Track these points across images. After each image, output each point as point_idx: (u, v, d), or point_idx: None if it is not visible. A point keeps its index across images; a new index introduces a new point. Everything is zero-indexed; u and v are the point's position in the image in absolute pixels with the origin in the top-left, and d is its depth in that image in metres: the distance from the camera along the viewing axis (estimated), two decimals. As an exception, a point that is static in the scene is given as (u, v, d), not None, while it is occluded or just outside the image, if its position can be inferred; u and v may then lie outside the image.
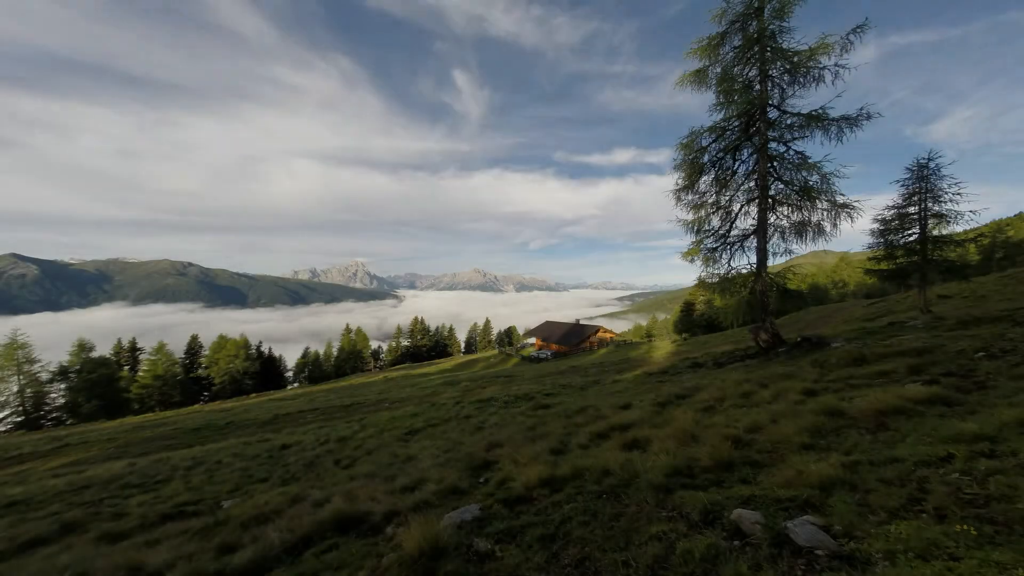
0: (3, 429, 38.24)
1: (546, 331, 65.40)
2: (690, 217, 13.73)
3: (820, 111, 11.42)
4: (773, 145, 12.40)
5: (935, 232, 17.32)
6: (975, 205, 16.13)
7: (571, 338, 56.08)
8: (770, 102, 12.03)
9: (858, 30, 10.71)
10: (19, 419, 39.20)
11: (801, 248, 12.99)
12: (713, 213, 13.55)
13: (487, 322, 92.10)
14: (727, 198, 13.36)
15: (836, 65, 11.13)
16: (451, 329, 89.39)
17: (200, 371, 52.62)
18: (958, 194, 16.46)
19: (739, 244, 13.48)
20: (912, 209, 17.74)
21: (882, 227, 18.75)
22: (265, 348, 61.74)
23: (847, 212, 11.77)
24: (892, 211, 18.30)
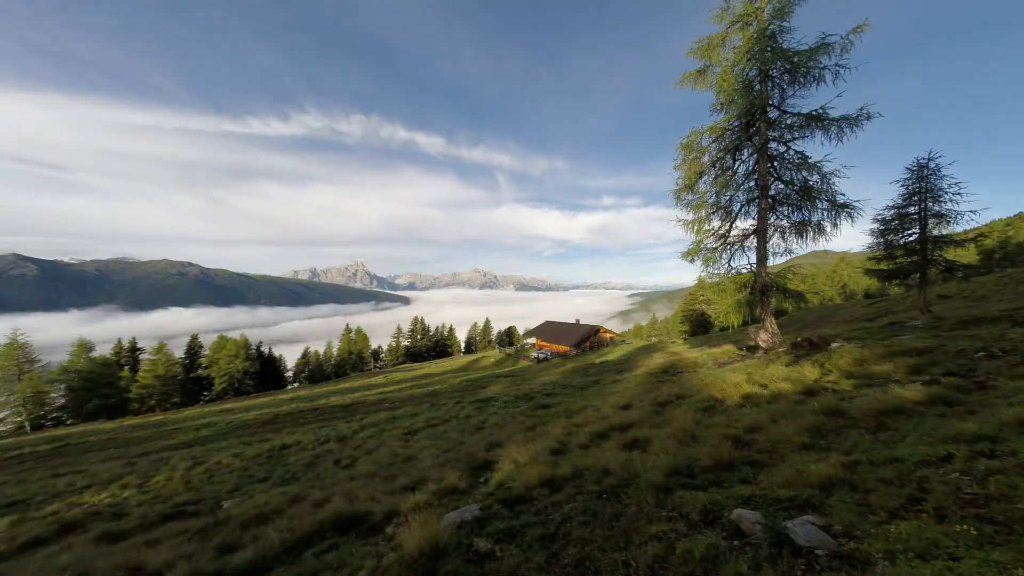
0: (3, 429, 38.22)
1: (546, 331, 65.40)
2: (690, 217, 13.72)
3: (820, 111, 11.41)
4: (773, 145, 12.39)
5: (935, 232, 17.30)
6: (975, 205, 16.13)
7: (571, 338, 56.08)
8: (770, 102, 12.01)
9: (858, 30, 10.69)
10: (19, 419, 39.19)
11: (801, 248, 12.99)
12: (713, 213, 13.53)
13: (487, 322, 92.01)
14: (727, 198, 13.35)
15: (836, 65, 11.12)
16: (451, 329, 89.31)
17: (200, 371, 52.59)
18: (958, 194, 16.45)
19: (739, 244, 13.47)
20: (912, 209, 17.71)
21: (882, 227, 18.73)
22: (265, 348, 61.73)
23: (847, 212, 11.76)
24: (892, 211, 18.27)
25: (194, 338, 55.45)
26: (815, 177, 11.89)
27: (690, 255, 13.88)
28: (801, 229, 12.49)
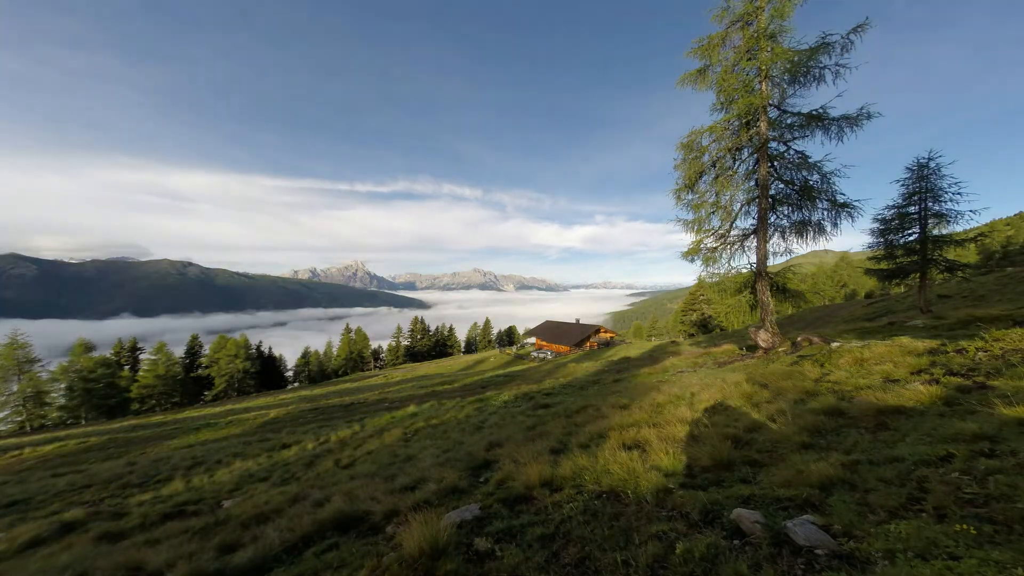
0: (3, 429, 38.22)
1: (546, 331, 65.43)
2: (690, 217, 13.71)
3: (820, 111, 11.40)
4: (773, 145, 12.38)
5: (935, 232, 17.30)
6: (975, 204, 16.13)
7: (571, 338, 56.11)
8: (770, 102, 12.01)
9: (858, 29, 10.68)
10: (19, 418, 39.18)
11: (801, 248, 12.99)
12: (713, 213, 13.52)
13: (487, 322, 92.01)
14: (727, 198, 13.34)
15: (836, 65, 11.11)
16: (451, 329, 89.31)
17: (200, 371, 52.60)
18: (958, 194, 16.45)
19: (739, 244, 13.46)
20: (912, 209, 17.71)
21: (882, 227, 18.73)
22: (265, 348, 61.75)
23: (847, 212, 11.75)
24: (892, 211, 18.27)
25: (194, 338, 55.48)
26: (815, 177, 11.89)
27: (690, 255, 13.87)
28: (801, 229, 12.48)
